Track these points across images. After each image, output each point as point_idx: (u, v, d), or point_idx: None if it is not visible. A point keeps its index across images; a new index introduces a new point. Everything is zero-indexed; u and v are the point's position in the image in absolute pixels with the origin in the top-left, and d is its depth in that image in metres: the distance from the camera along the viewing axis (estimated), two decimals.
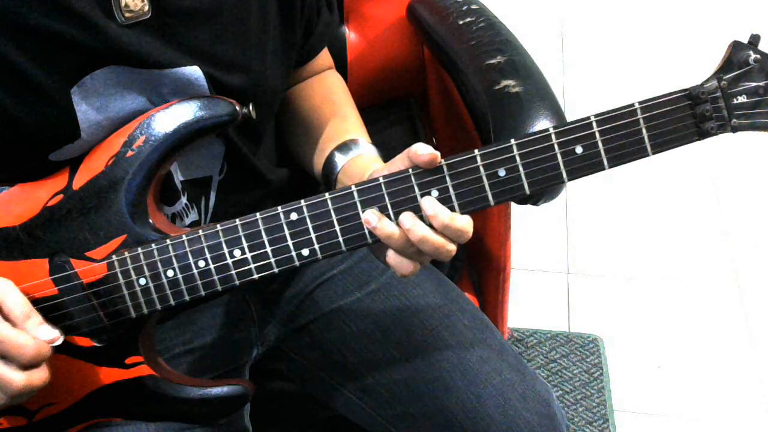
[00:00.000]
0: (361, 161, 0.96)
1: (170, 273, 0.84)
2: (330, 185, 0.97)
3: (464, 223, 0.81)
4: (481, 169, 0.80)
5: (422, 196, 0.81)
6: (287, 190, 1.04)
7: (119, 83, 0.84)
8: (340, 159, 0.97)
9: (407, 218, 0.80)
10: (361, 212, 0.82)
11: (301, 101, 1.07)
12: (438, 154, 0.80)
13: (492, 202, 0.81)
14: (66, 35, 0.79)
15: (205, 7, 0.86)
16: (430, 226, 0.81)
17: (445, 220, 0.80)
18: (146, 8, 0.82)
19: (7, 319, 0.78)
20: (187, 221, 0.94)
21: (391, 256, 0.83)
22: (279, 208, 0.82)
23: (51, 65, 0.80)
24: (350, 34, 1.39)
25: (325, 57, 1.11)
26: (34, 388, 0.78)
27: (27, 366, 0.77)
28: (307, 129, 1.04)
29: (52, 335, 0.79)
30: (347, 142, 0.98)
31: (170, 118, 0.83)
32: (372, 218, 0.81)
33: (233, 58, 0.89)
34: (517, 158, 0.80)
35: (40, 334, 0.78)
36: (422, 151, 0.80)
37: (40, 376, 0.78)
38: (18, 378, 0.77)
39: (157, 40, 0.84)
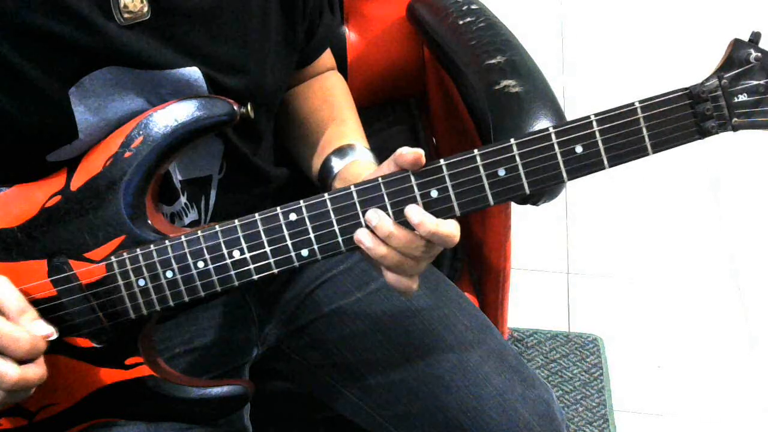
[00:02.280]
0: (356, 167, 0.96)
1: (169, 274, 0.83)
2: (326, 190, 0.97)
3: (450, 229, 0.80)
4: (481, 168, 0.80)
5: (422, 197, 0.81)
6: (288, 188, 1.04)
7: (118, 84, 0.83)
8: (336, 164, 0.97)
9: (372, 215, 0.80)
10: (360, 212, 0.82)
11: (300, 103, 1.07)
12: (422, 152, 0.79)
13: (492, 202, 0.81)
14: (65, 36, 0.79)
15: (205, 9, 0.86)
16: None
17: (431, 228, 0.79)
18: (145, 9, 0.82)
19: (2, 314, 0.78)
20: (187, 221, 0.94)
21: (389, 276, 0.83)
22: (278, 208, 0.82)
23: (49, 66, 0.80)
24: (350, 34, 1.39)
25: (327, 58, 1.11)
26: (30, 384, 0.78)
27: (22, 360, 0.77)
28: (305, 131, 1.04)
29: (47, 330, 0.79)
30: (344, 147, 0.98)
31: (168, 118, 0.83)
32: (365, 239, 0.81)
33: (233, 59, 0.89)
34: (517, 158, 0.80)
35: (35, 329, 0.78)
36: (406, 151, 0.80)
37: (35, 371, 0.78)
38: (13, 371, 0.76)
39: (156, 41, 0.83)
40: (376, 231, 0.80)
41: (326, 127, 1.02)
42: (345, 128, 1.03)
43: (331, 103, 1.07)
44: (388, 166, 0.83)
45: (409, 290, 0.84)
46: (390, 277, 0.83)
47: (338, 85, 1.11)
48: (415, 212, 0.80)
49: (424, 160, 0.80)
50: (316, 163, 1.00)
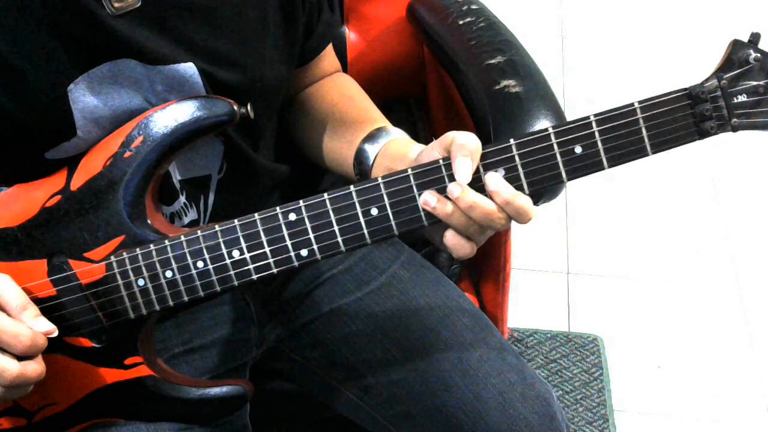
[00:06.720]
0: (394, 147, 0.94)
1: (169, 274, 0.83)
2: (364, 176, 0.95)
3: (524, 202, 0.80)
4: (480, 169, 0.80)
5: (419, 195, 0.81)
6: (287, 187, 1.04)
7: (115, 82, 0.83)
8: (371, 149, 0.95)
9: (455, 188, 0.80)
10: (360, 212, 0.82)
11: (317, 101, 1.06)
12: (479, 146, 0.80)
13: None
14: (61, 27, 0.79)
15: (200, 1, 0.86)
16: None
17: (507, 197, 0.79)
18: None
19: (3, 310, 0.78)
20: (186, 220, 0.94)
21: (450, 237, 0.82)
22: (277, 208, 0.82)
23: (48, 62, 0.80)
24: (350, 34, 1.39)
25: (332, 59, 1.10)
26: (28, 380, 0.78)
27: (22, 356, 0.77)
28: (328, 126, 1.02)
29: (48, 327, 0.80)
30: (374, 132, 0.96)
31: (168, 119, 0.83)
32: (431, 200, 0.80)
33: (229, 53, 0.89)
34: (517, 158, 0.80)
35: (36, 326, 0.79)
36: (468, 146, 0.80)
37: (34, 368, 0.78)
38: (12, 367, 0.77)
39: (149, 32, 0.83)
40: (458, 202, 0.80)
41: (351, 118, 1.01)
42: (371, 115, 1.01)
43: (350, 97, 1.06)
44: (434, 150, 0.83)
45: (465, 252, 0.83)
46: (449, 236, 0.82)
47: (352, 83, 1.11)
48: (491, 180, 0.80)
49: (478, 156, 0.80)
50: (348, 154, 0.98)
